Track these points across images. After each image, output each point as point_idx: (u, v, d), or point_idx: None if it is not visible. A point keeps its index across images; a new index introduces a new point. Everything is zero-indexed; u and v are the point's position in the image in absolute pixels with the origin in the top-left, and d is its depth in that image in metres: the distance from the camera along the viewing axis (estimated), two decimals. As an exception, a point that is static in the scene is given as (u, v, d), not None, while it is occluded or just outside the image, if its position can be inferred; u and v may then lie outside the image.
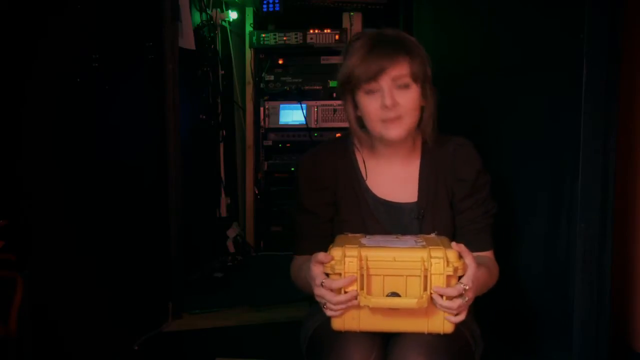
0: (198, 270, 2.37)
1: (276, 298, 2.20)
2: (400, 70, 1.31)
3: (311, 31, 2.83)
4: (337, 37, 2.81)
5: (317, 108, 2.89)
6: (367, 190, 1.44)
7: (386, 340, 1.28)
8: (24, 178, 1.39)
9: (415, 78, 1.32)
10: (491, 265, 1.39)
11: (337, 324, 1.24)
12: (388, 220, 1.43)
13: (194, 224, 2.40)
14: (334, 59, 2.87)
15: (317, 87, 2.91)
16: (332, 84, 2.88)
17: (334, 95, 2.86)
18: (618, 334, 1.64)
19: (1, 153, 1.34)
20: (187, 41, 2.24)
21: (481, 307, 1.50)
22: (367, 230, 1.39)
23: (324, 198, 1.43)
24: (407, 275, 1.21)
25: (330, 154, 1.47)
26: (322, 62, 2.90)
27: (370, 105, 1.33)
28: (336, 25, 2.85)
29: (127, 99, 1.81)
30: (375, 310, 1.21)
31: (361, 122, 1.39)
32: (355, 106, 1.38)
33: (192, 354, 1.96)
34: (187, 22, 2.23)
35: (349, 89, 1.36)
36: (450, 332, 1.23)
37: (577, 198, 1.37)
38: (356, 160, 1.46)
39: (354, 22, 2.85)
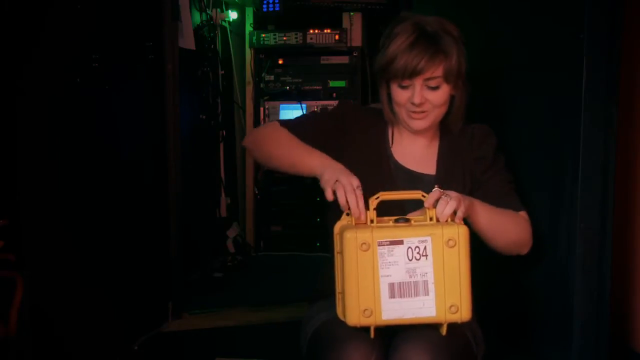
0: (198, 270, 2.37)
1: (276, 298, 2.20)
2: (434, 72, 1.38)
3: (311, 31, 2.82)
4: (337, 37, 2.81)
5: (317, 108, 2.88)
6: (391, 156, 1.50)
7: (387, 342, 1.29)
8: (23, 178, 1.39)
9: (447, 79, 1.39)
10: (518, 218, 1.45)
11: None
12: (406, 189, 1.45)
13: (194, 224, 2.40)
14: (334, 59, 2.86)
15: (317, 87, 2.90)
16: (332, 84, 2.88)
17: (334, 95, 2.86)
18: (618, 334, 1.64)
19: (0, 153, 1.34)
20: (187, 41, 2.24)
21: (482, 307, 1.49)
22: None
23: (324, 139, 1.49)
24: None
25: (367, 115, 1.55)
26: (322, 62, 2.89)
27: (400, 96, 1.41)
28: (336, 25, 2.84)
29: (127, 99, 1.81)
30: None
31: (392, 101, 1.47)
32: (388, 87, 1.45)
33: (192, 354, 1.96)
34: (187, 22, 2.23)
35: (384, 76, 1.44)
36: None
37: (577, 198, 1.38)
38: (387, 128, 1.53)
39: (354, 22, 2.84)
